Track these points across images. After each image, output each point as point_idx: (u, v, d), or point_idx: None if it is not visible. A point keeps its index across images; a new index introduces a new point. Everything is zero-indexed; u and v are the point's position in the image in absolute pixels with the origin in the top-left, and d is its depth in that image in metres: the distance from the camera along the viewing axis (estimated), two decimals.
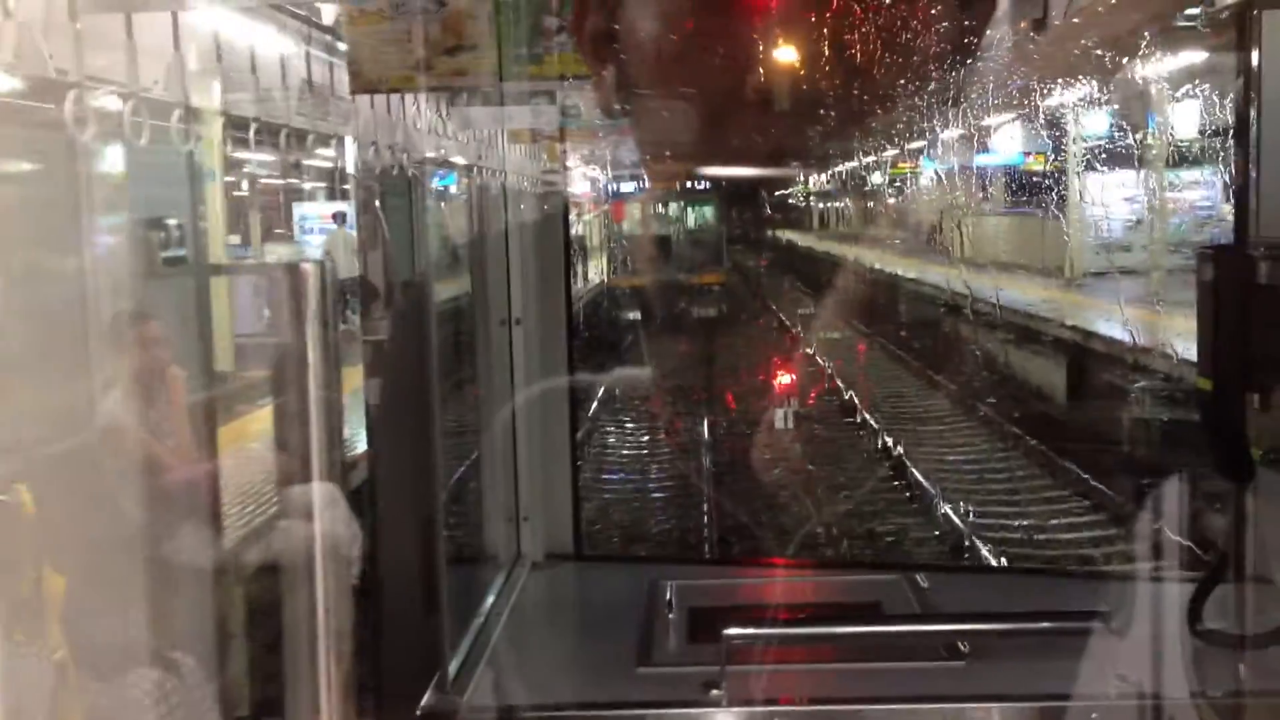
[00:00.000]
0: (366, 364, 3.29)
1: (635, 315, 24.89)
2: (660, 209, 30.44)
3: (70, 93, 2.32)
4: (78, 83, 2.34)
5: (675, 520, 11.92)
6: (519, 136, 5.07)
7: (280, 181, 20.78)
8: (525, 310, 4.38)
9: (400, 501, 3.20)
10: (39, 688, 2.29)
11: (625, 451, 14.90)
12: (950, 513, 11.20)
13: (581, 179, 25.05)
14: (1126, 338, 13.41)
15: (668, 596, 3.89)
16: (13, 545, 2.25)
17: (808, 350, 20.97)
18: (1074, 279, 18.58)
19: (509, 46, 3.81)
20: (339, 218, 18.05)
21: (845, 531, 11.20)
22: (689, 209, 30.55)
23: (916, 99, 18.87)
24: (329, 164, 19.77)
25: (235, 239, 16.48)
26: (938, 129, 21.94)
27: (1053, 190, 19.85)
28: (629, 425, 16.19)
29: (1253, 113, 2.89)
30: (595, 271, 28.46)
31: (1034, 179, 21.92)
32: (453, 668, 3.32)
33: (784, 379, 17.30)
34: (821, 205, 46.23)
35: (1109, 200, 17.87)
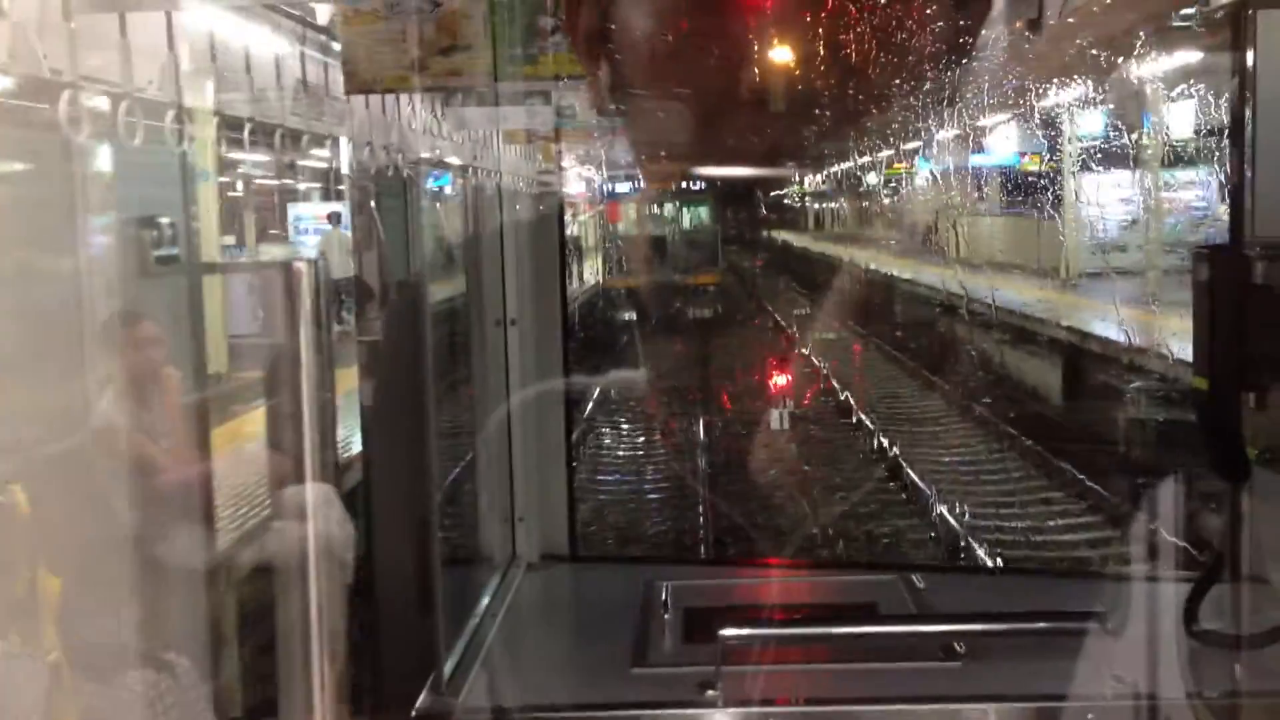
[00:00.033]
0: (362, 364, 3.28)
1: (631, 316, 24.90)
2: (655, 209, 30.48)
3: (64, 93, 2.32)
4: (72, 83, 2.34)
5: (670, 521, 11.91)
6: (514, 137, 5.07)
7: (275, 182, 20.75)
8: (520, 311, 4.37)
9: (395, 502, 3.19)
10: (34, 689, 2.28)
11: (620, 452, 14.89)
12: (946, 514, 11.20)
13: (577, 179, 25.07)
14: (1122, 338, 13.41)
15: (663, 597, 3.88)
16: (7, 546, 2.24)
17: (803, 351, 20.98)
18: (1069, 279, 18.59)
19: (504, 47, 3.80)
20: (334, 218, 18.01)
21: (841, 533, 11.20)
22: (684, 209, 30.60)
23: (912, 99, 18.92)
24: (324, 164, 19.73)
25: (230, 240, 16.45)
26: (933, 129, 21.98)
27: (1048, 190, 19.85)
28: (624, 426, 16.19)
29: (1248, 113, 2.89)
30: (591, 272, 28.44)
31: (1029, 179, 21.91)
32: (448, 668, 3.31)
33: (779, 380, 17.29)
34: (817, 206, 46.31)
35: (1104, 200, 17.88)
